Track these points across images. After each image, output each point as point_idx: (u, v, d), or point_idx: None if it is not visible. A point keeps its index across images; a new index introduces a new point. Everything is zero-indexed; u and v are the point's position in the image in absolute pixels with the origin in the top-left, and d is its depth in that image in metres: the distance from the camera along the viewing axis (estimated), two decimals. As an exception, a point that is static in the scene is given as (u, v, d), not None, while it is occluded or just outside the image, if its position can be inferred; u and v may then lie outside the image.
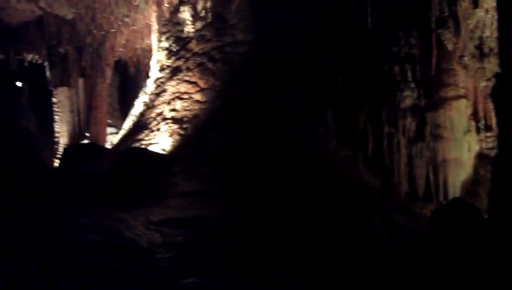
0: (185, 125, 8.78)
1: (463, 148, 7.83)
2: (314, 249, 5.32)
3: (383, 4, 8.11)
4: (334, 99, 8.03)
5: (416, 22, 7.94)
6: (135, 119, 10.21)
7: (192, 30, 9.98)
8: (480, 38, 7.87)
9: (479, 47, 7.89)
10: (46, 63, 13.32)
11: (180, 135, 8.66)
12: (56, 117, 14.35)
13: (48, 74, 13.37)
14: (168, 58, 10.13)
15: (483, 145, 7.89)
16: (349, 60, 8.07)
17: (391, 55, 7.95)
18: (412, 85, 7.79)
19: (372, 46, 8.03)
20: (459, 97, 7.84)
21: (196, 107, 8.98)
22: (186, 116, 8.92)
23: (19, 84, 17.38)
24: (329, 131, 7.95)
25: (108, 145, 12.80)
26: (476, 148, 7.94)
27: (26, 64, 13.90)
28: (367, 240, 6.18)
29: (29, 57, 13.52)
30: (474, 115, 7.98)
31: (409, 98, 7.78)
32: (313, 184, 6.88)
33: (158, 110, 9.45)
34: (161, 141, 8.69)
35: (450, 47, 7.84)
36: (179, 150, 8.38)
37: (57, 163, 12.48)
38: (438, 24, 7.82)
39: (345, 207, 6.56)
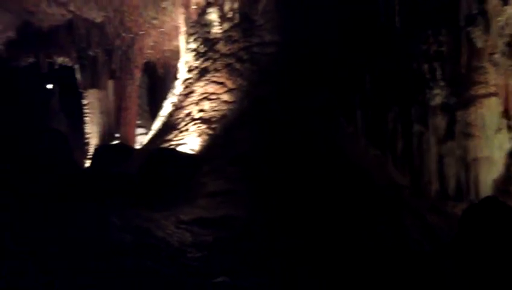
0: (213, 126, 8.84)
1: (494, 146, 7.69)
2: (343, 249, 5.31)
3: (410, 2, 8.03)
4: (362, 99, 7.97)
5: (445, 19, 7.83)
6: (164, 120, 10.32)
7: (219, 31, 10.04)
8: (511, 35, 7.73)
9: (510, 44, 7.76)
10: (76, 66, 13.53)
11: (208, 135, 8.72)
12: (86, 119, 14.56)
13: (78, 76, 13.59)
14: (196, 60, 10.20)
15: (516, 143, 7.75)
16: (377, 59, 8.01)
17: (420, 53, 7.84)
18: (442, 83, 7.67)
19: (400, 45, 7.96)
20: (490, 95, 7.70)
21: (224, 108, 9.03)
22: (214, 117, 8.98)
23: (49, 86, 17.70)
24: (358, 130, 7.89)
25: (137, 146, 12.94)
26: (507, 146, 7.80)
27: (56, 67, 14.13)
28: (397, 239, 6.13)
29: (60, 60, 13.74)
30: (506, 113, 7.84)
31: (438, 96, 7.66)
32: (342, 183, 6.85)
33: (186, 111, 9.53)
34: (190, 141, 8.77)
35: (479, 45, 7.71)
36: (207, 150, 8.44)
37: (87, 164, 12.68)
38: (467, 22, 7.69)
39: (374, 206, 6.51)
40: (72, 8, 11.30)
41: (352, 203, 6.43)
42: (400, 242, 6.10)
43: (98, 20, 11.94)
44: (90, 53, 13.02)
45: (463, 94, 7.68)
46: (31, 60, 13.63)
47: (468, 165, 7.53)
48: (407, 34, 7.93)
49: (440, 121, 7.61)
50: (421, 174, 7.57)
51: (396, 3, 7.95)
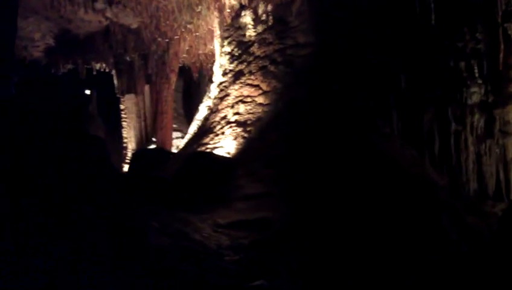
0: (248, 128, 8.86)
1: (534, 144, 7.53)
2: (381, 250, 5.25)
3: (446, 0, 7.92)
4: (398, 99, 7.90)
5: (482, 16, 7.69)
6: (200, 124, 10.40)
7: (253, 34, 10.07)
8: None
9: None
10: (113, 71, 13.79)
11: (244, 138, 8.75)
12: (123, 123, 14.82)
13: (115, 81, 13.84)
14: (231, 63, 10.25)
15: (555, 142, 7.57)
16: (413, 58, 7.91)
17: (456, 51, 7.72)
18: (479, 81, 7.54)
19: (436, 43, 7.84)
20: (529, 92, 7.54)
21: (259, 110, 9.05)
22: (250, 119, 9.00)
23: (87, 92, 18.07)
24: (394, 131, 7.82)
25: (174, 150, 13.09)
26: (547, 144, 7.61)
27: (94, 73, 14.40)
28: (435, 239, 6.04)
29: (97, 66, 14.01)
30: (545, 111, 7.66)
31: (476, 94, 7.54)
32: (378, 185, 6.78)
33: (222, 114, 9.58)
34: (226, 144, 8.81)
35: (517, 41, 7.56)
36: (243, 152, 8.47)
37: (125, 168, 12.89)
38: (504, 18, 7.54)
39: (412, 207, 6.43)
40: (108, 14, 11.51)
41: (389, 204, 6.36)
42: (438, 243, 6.00)
43: (134, 25, 12.13)
44: (127, 58, 13.24)
45: (501, 92, 7.54)
46: (69, 66, 13.93)
47: (507, 164, 7.39)
48: (443, 32, 7.82)
49: (478, 120, 7.48)
50: (459, 174, 7.46)
51: (431, 1, 7.85)
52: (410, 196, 6.69)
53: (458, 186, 7.41)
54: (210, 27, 11.60)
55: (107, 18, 11.76)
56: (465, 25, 7.66)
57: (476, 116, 7.46)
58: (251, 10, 10.15)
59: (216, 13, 10.71)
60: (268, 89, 9.19)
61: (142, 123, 14.62)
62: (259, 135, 8.58)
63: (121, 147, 14.91)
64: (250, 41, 10.11)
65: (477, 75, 7.52)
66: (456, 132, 7.52)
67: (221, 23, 10.75)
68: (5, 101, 6.71)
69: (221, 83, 10.28)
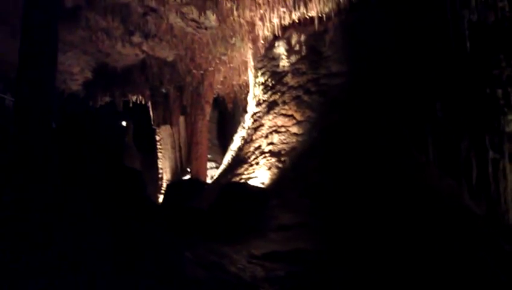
0: (282, 158, 8.84)
1: None
2: (419, 281, 5.12)
3: (481, 27, 7.84)
4: (433, 126, 7.78)
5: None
6: (234, 154, 10.43)
7: (287, 64, 10.13)
8: None
9: None
10: (149, 103, 14.02)
11: (278, 167, 8.73)
12: (159, 154, 15.00)
13: (151, 113, 14.06)
14: (265, 93, 10.31)
15: None
16: (448, 86, 7.82)
17: (492, 78, 7.60)
18: (516, 109, 7.40)
19: (471, 70, 7.74)
20: None
21: (293, 140, 9.03)
22: (284, 149, 8.98)
23: (123, 123, 18.40)
24: (430, 159, 7.70)
25: (208, 180, 13.15)
26: None
27: (130, 105, 14.67)
28: (474, 269, 5.86)
29: (134, 98, 14.26)
30: None
31: (513, 122, 7.39)
32: (415, 215, 6.65)
33: (256, 144, 9.59)
34: (260, 174, 8.80)
35: (554, 68, 7.42)
36: (277, 182, 8.44)
37: (160, 198, 12.98)
38: (541, 45, 7.44)
39: (449, 237, 6.27)
40: (145, 48, 11.76)
41: (426, 234, 6.22)
42: (476, 273, 5.82)
43: (170, 58, 12.35)
44: (162, 90, 13.47)
45: (538, 120, 7.38)
46: (107, 99, 14.22)
47: (545, 192, 7.18)
48: (478, 59, 7.73)
49: (516, 148, 7.31)
50: (497, 203, 7.27)
51: (466, 28, 7.79)
52: (447, 226, 6.54)
53: (497, 215, 7.21)
54: (244, 58, 11.74)
55: (143, 51, 12.02)
56: (501, 52, 7.55)
57: (514, 144, 7.29)
58: (284, 41, 10.24)
59: (250, 44, 10.83)
60: (302, 118, 9.18)
61: (177, 154, 14.79)
62: (293, 165, 8.55)
63: (156, 178, 15.07)
64: (283, 71, 10.16)
65: (514, 102, 7.37)
66: (494, 160, 7.35)
67: (255, 54, 10.86)
68: (47, 134, 6.88)
69: (255, 113, 10.32)
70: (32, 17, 7.54)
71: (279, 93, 9.93)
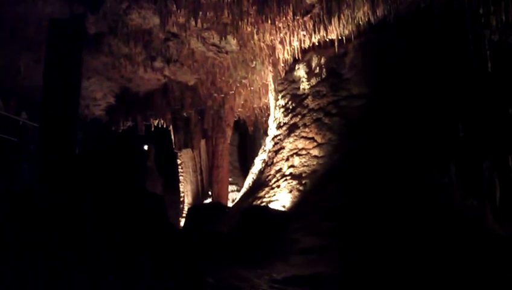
0: (303, 181, 8.81)
1: None
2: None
3: (502, 47, 7.79)
4: (456, 148, 7.71)
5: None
6: (255, 177, 10.43)
7: (307, 87, 10.15)
8: None
9: None
10: (170, 127, 14.12)
11: (299, 190, 8.69)
12: (180, 177, 15.06)
13: (172, 137, 14.15)
14: (285, 116, 10.32)
15: None
16: (470, 106, 7.76)
17: (514, 98, 7.55)
18: (540, 128, 7.31)
19: (493, 91, 7.68)
20: None
21: (314, 163, 9.00)
22: (305, 172, 8.95)
23: (145, 147, 18.54)
24: (452, 181, 7.61)
25: (230, 203, 13.13)
26: None
27: (152, 129, 14.76)
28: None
29: (155, 122, 14.36)
30: None
31: (536, 142, 7.29)
32: (438, 237, 6.56)
33: (277, 167, 9.58)
34: (281, 197, 8.77)
35: None
36: (298, 205, 8.39)
37: (182, 222, 12.99)
38: None
39: (473, 260, 6.15)
40: (166, 73, 11.89)
41: (449, 257, 6.12)
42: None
43: (191, 82, 12.46)
44: (184, 114, 13.56)
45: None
46: (129, 123, 14.34)
47: None
48: (500, 79, 7.67)
49: (540, 168, 7.20)
50: (522, 224, 7.14)
51: (487, 48, 7.75)
52: (472, 248, 6.43)
53: (521, 236, 7.08)
54: (264, 81, 11.79)
55: (165, 76, 12.15)
56: (523, 72, 7.50)
57: (537, 165, 7.19)
58: (304, 64, 10.27)
59: (270, 68, 10.89)
60: (323, 141, 9.16)
61: (199, 177, 14.84)
62: (314, 188, 8.51)
63: (177, 201, 15.11)
64: (304, 94, 10.18)
65: (536, 122, 7.28)
66: (516, 180, 7.24)
67: (275, 77, 10.92)
68: (70, 160, 6.97)
69: (275, 136, 10.33)
70: (57, 44, 7.71)
71: (299, 116, 9.94)
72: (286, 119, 10.26)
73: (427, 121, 8.07)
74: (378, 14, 8.67)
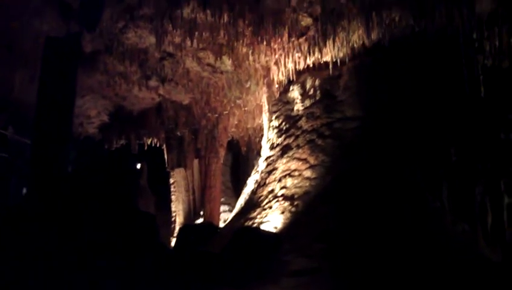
0: (296, 202, 8.78)
1: None
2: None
3: (495, 72, 7.86)
4: (448, 172, 7.73)
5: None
6: (247, 198, 10.39)
7: (301, 108, 10.18)
8: None
9: None
10: (163, 146, 14.08)
11: (291, 212, 8.66)
12: (172, 197, 15.00)
13: (165, 155, 14.11)
14: (279, 137, 10.33)
15: None
16: (462, 131, 7.80)
17: (507, 123, 7.58)
18: (532, 154, 7.33)
19: (486, 115, 7.73)
20: None
21: (307, 184, 8.99)
22: (297, 193, 8.93)
23: (138, 166, 18.48)
24: (445, 205, 7.61)
25: (221, 223, 13.06)
26: None
27: (145, 148, 14.71)
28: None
29: (149, 140, 14.32)
30: None
31: (529, 166, 7.31)
32: (429, 261, 6.54)
33: (269, 188, 9.56)
34: (273, 218, 8.73)
35: None
36: (290, 227, 8.35)
37: (173, 242, 12.90)
38: (556, 90, 7.42)
39: (464, 287, 6.14)
40: (161, 92, 11.91)
41: (440, 281, 6.10)
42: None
43: (186, 102, 12.48)
44: (177, 133, 13.54)
45: (555, 165, 7.29)
46: (122, 142, 14.30)
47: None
48: (492, 104, 7.72)
49: (532, 193, 7.20)
50: (513, 250, 7.13)
51: (480, 73, 7.81)
52: (462, 274, 6.41)
53: (513, 262, 7.06)
54: (259, 102, 11.83)
55: (159, 95, 12.16)
56: (516, 97, 7.56)
57: (530, 189, 7.19)
58: (299, 85, 10.32)
59: (265, 88, 10.92)
60: (316, 162, 9.16)
61: (191, 197, 14.78)
62: (306, 209, 8.48)
63: (169, 220, 15.02)
64: (298, 115, 10.20)
65: (529, 147, 7.31)
66: (509, 205, 7.22)
67: (269, 98, 10.95)
68: (62, 178, 6.95)
69: (268, 157, 10.32)
70: (52, 61, 7.73)
71: (293, 137, 9.95)
72: (279, 140, 10.26)
73: (420, 144, 8.10)
74: (372, 37, 8.74)
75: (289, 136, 10.05)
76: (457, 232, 7.32)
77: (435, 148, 7.92)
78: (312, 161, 9.22)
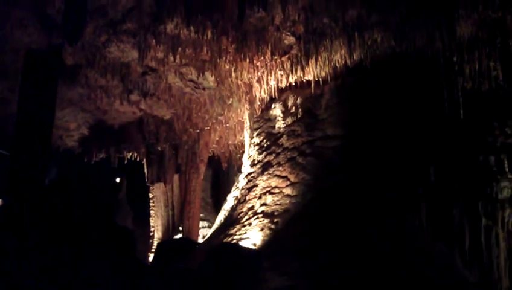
0: (275, 220, 8.77)
1: None
2: None
3: (475, 94, 7.99)
4: (427, 191, 7.80)
5: (511, 111, 7.73)
6: (227, 214, 10.36)
7: (282, 126, 10.22)
8: None
9: None
10: (144, 160, 14.00)
11: (270, 229, 8.65)
12: (151, 212, 14.88)
13: (145, 170, 14.02)
14: (260, 154, 10.34)
15: None
16: (442, 151, 7.89)
17: (486, 145, 7.68)
18: (510, 176, 7.42)
19: (465, 137, 7.84)
20: (562, 186, 7.37)
21: (287, 201, 9.00)
22: (277, 211, 8.93)
23: (117, 180, 18.34)
24: (423, 225, 7.67)
25: (200, 239, 12.99)
26: None
27: (125, 161, 14.59)
28: None
29: (129, 155, 14.21)
30: None
31: (506, 189, 7.38)
32: (406, 281, 6.58)
33: (249, 205, 9.54)
34: (252, 235, 8.71)
35: (548, 139, 7.51)
36: (269, 244, 8.34)
37: (151, 257, 12.78)
38: (534, 113, 7.56)
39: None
40: (143, 106, 11.86)
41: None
42: None
43: (167, 117, 12.45)
44: (158, 148, 13.48)
45: (531, 188, 7.39)
46: (102, 155, 14.17)
47: (539, 260, 7.11)
48: (472, 126, 7.83)
49: (509, 215, 7.29)
50: (490, 271, 7.18)
51: (460, 95, 7.93)
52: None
53: (490, 283, 7.12)
54: (240, 119, 11.85)
55: (141, 109, 12.10)
56: (495, 119, 7.67)
57: (507, 212, 7.27)
58: (281, 103, 10.37)
59: (247, 105, 10.96)
60: (296, 180, 9.18)
61: (170, 212, 14.67)
62: (286, 227, 8.48)
63: (147, 236, 14.89)
64: (279, 133, 10.23)
65: (507, 169, 7.41)
66: (486, 226, 7.32)
67: (251, 115, 10.98)
68: (40, 191, 6.86)
69: (249, 174, 10.32)
70: (32, 74, 7.67)
71: (274, 155, 9.97)
72: (260, 157, 10.27)
73: (399, 164, 8.16)
74: (354, 57, 8.84)
75: (270, 154, 10.07)
76: (435, 251, 7.37)
77: (414, 167, 7.99)
78: (292, 178, 9.24)
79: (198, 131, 12.81)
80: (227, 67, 9.62)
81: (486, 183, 7.42)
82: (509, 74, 7.66)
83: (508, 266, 7.15)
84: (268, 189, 9.44)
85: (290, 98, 10.27)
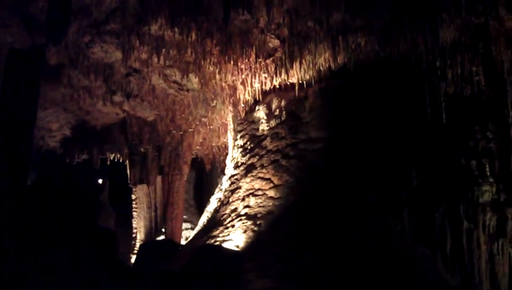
0: (258, 222, 8.78)
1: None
2: None
3: (457, 98, 8.07)
4: (409, 195, 7.86)
5: (493, 116, 7.81)
6: (210, 216, 10.34)
7: (266, 128, 10.23)
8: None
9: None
10: (126, 162, 13.91)
11: (253, 231, 8.66)
12: (134, 213, 14.81)
13: (128, 171, 13.93)
14: (243, 156, 10.35)
15: None
16: (424, 155, 7.96)
17: (467, 149, 7.77)
18: (491, 180, 7.51)
19: (447, 141, 7.92)
20: (541, 191, 7.47)
21: (270, 204, 9.01)
22: (260, 213, 8.94)
23: (99, 181, 18.20)
24: (405, 228, 7.73)
25: (183, 241, 12.95)
26: None
27: (108, 163, 14.49)
28: None
29: (112, 156, 14.12)
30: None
31: (487, 193, 7.48)
32: (389, 284, 6.63)
33: (232, 207, 9.54)
34: (235, 237, 8.71)
35: (529, 140, 7.60)
36: (252, 246, 8.35)
37: (133, 259, 12.72)
38: (515, 117, 7.65)
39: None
40: (126, 107, 11.77)
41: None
42: None
43: (150, 118, 12.38)
44: (141, 149, 13.41)
45: (513, 191, 7.49)
46: (84, 156, 14.06)
47: (520, 263, 7.20)
48: (454, 131, 7.91)
49: (490, 219, 7.37)
50: (471, 274, 7.26)
51: (442, 100, 8.00)
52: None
53: (471, 286, 7.19)
54: (224, 121, 11.83)
55: (124, 111, 12.02)
56: (476, 124, 7.76)
57: (488, 215, 7.36)
58: (265, 105, 10.38)
59: (231, 107, 10.95)
60: (279, 182, 9.20)
61: (153, 213, 14.63)
62: (269, 229, 8.49)
63: (130, 237, 14.81)
64: (263, 135, 10.25)
65: (488, 173, 7.50)
66: (468, 230, 7.40)
67: (235, 117, 10.98)
68: (22, 192, 6.79)
69: (232, 176, 10.32)
70: (14, 73, 7.60)
71: (257, 157, 9.98)
72: (244, 159, 10.28)
73: (382, 167, 8.22)
74: (338, 61, 8.88)
75: (253, 156, 10.08)
76: (417, 254, 7.44)
77: (397, 171, 8.05)
78: (276, 180, 9.26)
79: (181, 133, 12.76)
80: (211, 69, 9.60)
81: (467, 187, 7.50)
82: (491, 79, 7.74)
83: (488, 269, 7.24)
84: (251, 191, 9.44)
85: (274, 100, 10.29)
